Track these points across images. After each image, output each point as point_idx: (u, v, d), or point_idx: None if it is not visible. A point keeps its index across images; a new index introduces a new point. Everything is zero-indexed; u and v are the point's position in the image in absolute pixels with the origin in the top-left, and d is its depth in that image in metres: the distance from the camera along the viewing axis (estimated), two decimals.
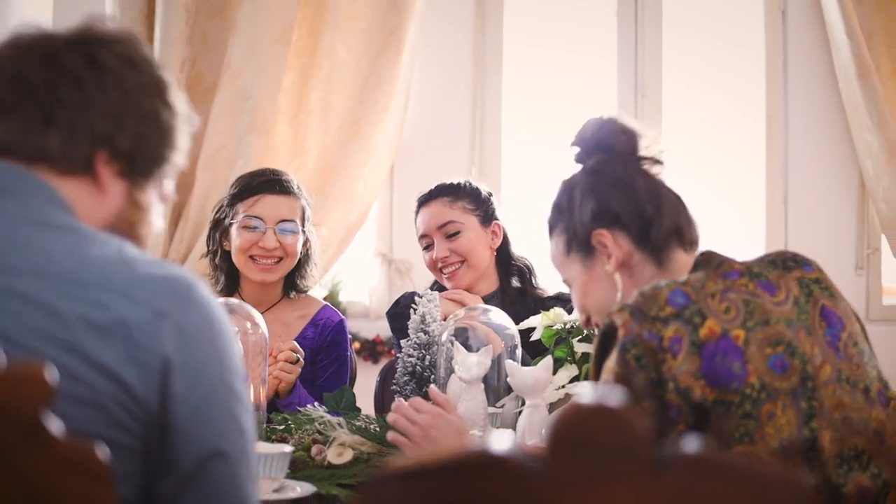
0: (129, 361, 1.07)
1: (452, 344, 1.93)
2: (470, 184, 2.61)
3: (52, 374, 0.86)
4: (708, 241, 4.26)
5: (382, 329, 4.02)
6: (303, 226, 2.56)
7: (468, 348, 1.91)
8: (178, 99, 1.25)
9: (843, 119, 4.21)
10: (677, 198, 1.62)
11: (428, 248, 2.59)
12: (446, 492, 0.59)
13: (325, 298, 3.95)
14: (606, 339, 1.40)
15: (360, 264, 4.12)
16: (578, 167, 1.65)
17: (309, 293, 2.69)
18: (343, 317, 2.66)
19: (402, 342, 2.13)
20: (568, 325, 1.99)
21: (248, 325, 1.94)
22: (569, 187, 1.63)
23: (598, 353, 1.42)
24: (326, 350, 2.57)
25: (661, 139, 1.73)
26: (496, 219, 2.58)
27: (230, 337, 1.17)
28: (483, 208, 2.56)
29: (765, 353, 1.35)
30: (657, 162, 1.65)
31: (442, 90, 4.10)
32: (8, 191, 1.15)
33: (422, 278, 4.01)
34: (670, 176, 4.20)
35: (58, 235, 1.13)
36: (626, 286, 1.52)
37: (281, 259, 2.50)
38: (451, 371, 1.93)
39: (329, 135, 3.87)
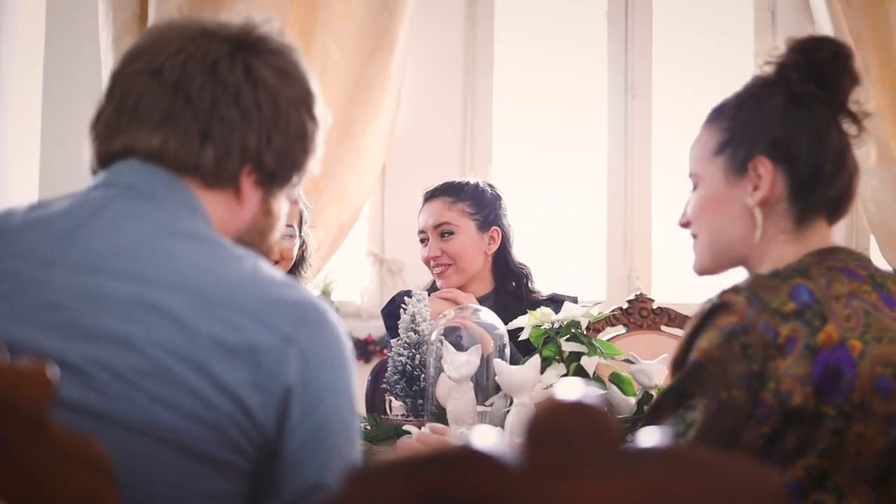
0: (253, 386, 1.06)
1: (442, 343, 1.95)
2: (477, 186, 2.62)
3: (54, 372, 0.87)
4: None
5: (374, 329, 4.04)
6: (299, 230, 2.62)
7: (458, 347, 1.92)
8: (321, 107, 1.28)
9: None
10: (855, 168, 1.41)
11: (423, 243, 2.61)
12: (427, 486, 0.61)
13: None
14: (709, 317, 1.28)
15: (352, 264, 4.13)
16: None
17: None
18: (338, 316, 2.67)
19: (392, 341, 2.15)
20: (556, 325, 2.01)
21: None
22: (762, 94, 1.43)
23: (696, 327, 1.30)
24: None
25: (868, 100, 1.49)
26: (497, 224, 2.58)
27: (351, 369, 1.16)
28: (484, 213, 2.57)
29: (874, 372, 1.26)
30: (858, 123, 1.41)
31: (433, 91, 4.11)
32: (155, 199, 1.14)
33: (413, 278, 4.03)
34: (660, 175, 4.23)
35: (198, 249, 1.12)
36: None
37: (276, 263, 2.54)
38: (440, 370, 1.94)
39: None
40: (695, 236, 1.46)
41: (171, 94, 1.15)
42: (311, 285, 3.89)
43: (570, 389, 0.62)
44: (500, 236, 2.59)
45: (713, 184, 1.43)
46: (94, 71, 3.77)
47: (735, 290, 1.29)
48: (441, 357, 1.93)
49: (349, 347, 1.16)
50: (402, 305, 2.15)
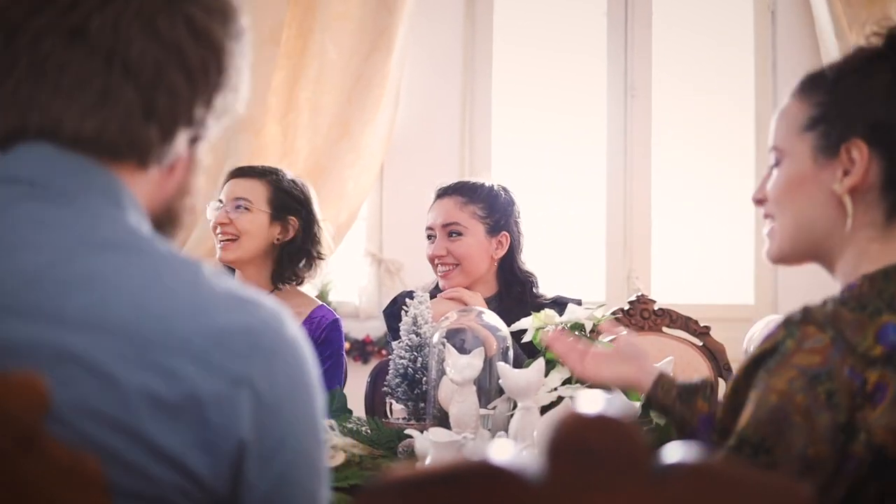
0: (199, 447, 0.87)
1: (444, 346, 1.92)
2: (491, 189, 2.56)
3: (47, 383, 0.80)
4: (697, 240, 4.27)
5: (373, 329, 4.02)
6: (272, 210, 2.54)
7: (460, 350, 1.90)
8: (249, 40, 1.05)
9: None
10: None
11: (430, 239, 2.57)
12: (446, 501, 0.59)
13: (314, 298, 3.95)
14: (782, 346, 1.15)
15: (350, 264, 4.10)
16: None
17: (304, 292, 2.69)
18: (338, 317, 2.65)
19: (394, 344, 2.12)
20: (560, 327, 1.98)
21: None
22: (866, 68, 1.26)
23: (765, 352, 1.17)
24: (321, 347, 2.55)
25: None
26: (507, 230, 2.54)
27: (317, 395, 0.95)
28: (495, 217, 2.53)
29: None
30: None
31: (432, 90, 4.09)
32: (68, 198, 0.93)
33: (412, 278, 4.01)
34: (659, 176, 4.21)
35: (125, 263, 0.89)
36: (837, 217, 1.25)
37: (236, 238, 2.50)
38: (442, 373, 1.92)
39: (318, 134, 3.87)
40: (768, 216, 1.33)
41: (106, 66, 0.92)
42: (309, 286, 3.87)
43: (593, 402, 0.60)
44: (509, 242, 2.55)
45: (799, 162, 1.27)
46: None
47: (817, 323, 1.14)
48: (443, 360, 1.90)
49: (313, 363, 0.96)
50: (404, 307, 2.12)
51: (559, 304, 2.34)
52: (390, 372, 2.08)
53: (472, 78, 4.13)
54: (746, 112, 4.31)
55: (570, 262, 4.21)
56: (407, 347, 2.04)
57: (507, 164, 4.17)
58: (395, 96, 3.96)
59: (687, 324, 2.93)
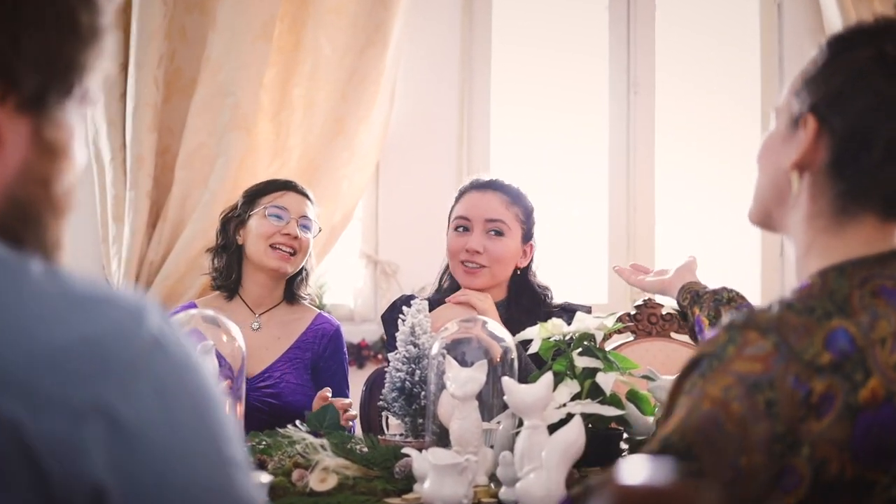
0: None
1: (444, 357, 1.79)
2: (525, 195, 2.51)
3: None
4: (702, 240, 4.16)
5: (368, 333, 3.90)
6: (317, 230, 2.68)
7: (461, 363, 1.77)
8: None
9: None
10: None
11: (460, 230, 2.43)
12: None
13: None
14: (723, 350, 1.07)
15: (345, 266, 3.98)
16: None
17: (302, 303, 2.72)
18: (338, 323, 2.71)
19: (390, 355, 1.99)
20: (567, 337, 1.86)
21: (224, 337, 1.80)
22: (851, 42, 1.18)
23: (702, 356, 1.08)
24: (331, 357, 2.62)
25: None
26: (532, 241, 2.45)
27: (211, 407, 0.74)
28: (528, 225, 2.46)
29: None
30: None
31: (428, 87, 3.98)
32: None
33: (408, 280, 3.90)
34: (663, 174, 4.11)
35: None
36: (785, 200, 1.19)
37: (296, 252, 2.56)
38: (442, 387, 1.79)
39: (312, 132, 3.75)
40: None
41: None
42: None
43: (637, 470, 0.48)
44: (532, 253, 2.46)
45: (778, 126, 1.21)
46: None
47: (759, 328, 1.06)
48: (443, 373, 1.77)
49: (200, 368, 0.75)
50: (402, 315, 2.00)
51: (567, 311, 2.24)
52: (386, 385, 1.96)
53: (470, 74, 4.02)
54: (752, 109, 4.20)
55: (572, 263, 4.10)
56: (404, 359, 1.91)
57: (506, 163, 4.05)
58: (390, 93, 3.84)
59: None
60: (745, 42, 4.22)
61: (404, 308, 2.02)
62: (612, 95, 4.10)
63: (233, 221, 2.60)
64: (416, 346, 1.92)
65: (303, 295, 2.68)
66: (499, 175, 3.91)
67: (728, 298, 1.96)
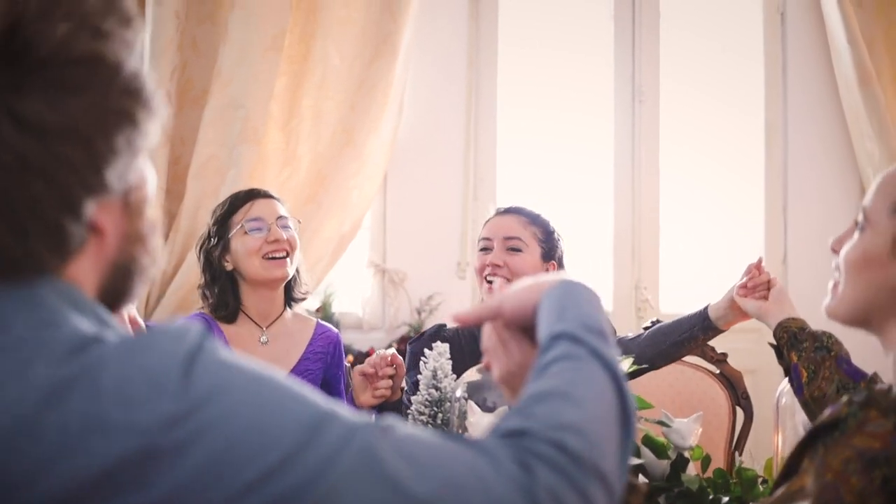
0: None
1: (466, 401, 1.84)
2: (547, 220, 2.60)
3: None
4: (706, 249, 4.20)
5: (376, 341, 3.95)
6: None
7: (483, 408, 1.82)
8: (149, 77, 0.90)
9: (843, 126, 4.16)
10: None
11: (484, 251, 2.56)
12: None
13: (317, 310, 3.88)
14: (843, 426, 1.13)
15: (353, 274, 4.02)
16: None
17: (297, 309, 2.73)
18: (337, 330, 2.73)
19: (413, 398, 2.04)
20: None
21: None
22: None
23: (816, 432, 1.15)
24: (337, 365, 2.66)
25: None
26: (555, 260, 2.54)
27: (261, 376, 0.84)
28: (549, 245, 2.55)
29: None
30: None
31: (436, 97, 4.01)
32: None
33: (416, 288, 3.95)
34: (667, 183, 4.15)
35: None
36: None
37: (288, 253, 2.56)
38: (464, 431, 1.84)
39: (321, 142, 3.78)
40: (838, 270, 1.32)
41: None
42: (311, 298, 3.81)
43: None
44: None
45: (880, 243, 1.26)
46: None
47: (880, 408, 1.13)
48: (465, 417, 1.82)
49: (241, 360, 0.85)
50: (423, 359, 2.04)
51: None
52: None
53: (476, 84, 4.05)
54: (756, 118, 4.25)
55: (576, 270, 4.14)
56: (426, 403, 1.96)
57: (512, 173, 4.10)
58: (398, 104, 3.87)
59: (703, 350, 2.87)
60: (748, 52, 4.26)
61: (426, 350, 2.06)
62: (618, 104, 4.15)
63: (214, 251, 2.59)
64: (438, 389, 1.97)
65: (301, 294, 2.68)
66: (505, 182, 4.00)
67: (827, 347, 1.97)
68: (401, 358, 2.38)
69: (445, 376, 1.97)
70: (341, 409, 0.83)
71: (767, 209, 4.22)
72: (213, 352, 0.83)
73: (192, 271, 3.56)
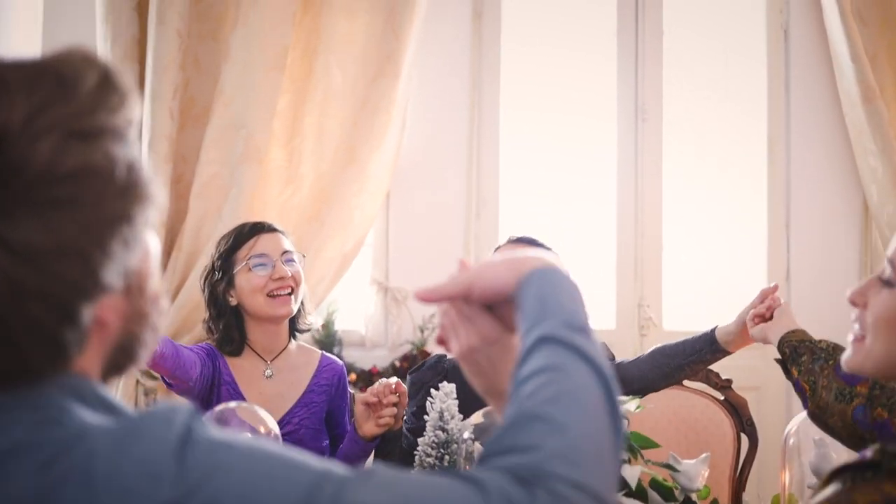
0: None
1: (473, 443, 1.84)
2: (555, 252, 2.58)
3: None
4: (709, 266, 4.19)
5: (379, 359, 3.94)
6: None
7: None
8: (145, 165, 0.88)
9: (846, 142, 4.15)
10: None
11: None
12: None
13: (321, 327, 3.87)
14: (866, 468, 1.14)
15: (356, 292, 4.02)
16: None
17: (302, 339, 2.74)
18: (342, 362, 2.72)
19: (419, 440, 2.03)
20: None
21: (262, 428, 1.84)
22: None
23: (846, 466, 1.16)
24: (341, 397, 2.65)
25: None
26: None
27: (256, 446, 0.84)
28: None
29: None
30: None
31: (438, 114, 4.00)
32: None
33: (419, 307, 3.93)
34: (670, 200, 4.13)
35: None
36: None
37: (293, 290, 2.56)
38: None
39: (324, 160, 3.77)
40: (860, 323, 1.31)
41: None
42: (313, 315, 3.80)
43: None
44: None
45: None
46: None
47: None
48: (472, 459, 1.82)
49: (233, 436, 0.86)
50: (430, 399, 2.03)
51: None
52: (415, 469, 2.00)
53: (479, 104, 4.04)
54: (759, 134, 4.24)
55: (580, 287, 4.13)
56: (433, 444, 1.96)
57: (515, 191, 4.09)
58: (401, 121, 3.86)
59: (708, 376, 2.86)
60: (752, 68, 4.25)
61: (433, 391, 2.05)
62: (620, 121, 4.14)
63: (218, 285, 2.58)
64: (444, 431, 1.96)
65: (305, 325, 2.69)
66: (508, 199, 3.99)
67: (825, 356, 1.97)
68: (404, 386, 2.37)
69: (452, 417, 1.96)
70: (334, 465, 0.84)
71: (770, 225, 4.21)
72: (202, 432, 0.82)
73: (194, 290, 3.56)
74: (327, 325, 3.92)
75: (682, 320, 4.10)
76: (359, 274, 3.99)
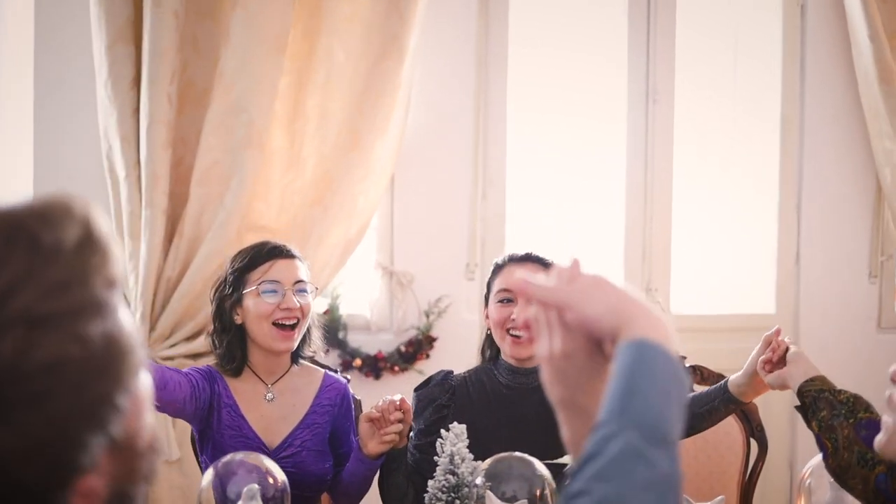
0: None
1: (483, 486, 1.79)
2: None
3: None
4: (719, 248, 4.14)
5: (384, 343, 3.90)
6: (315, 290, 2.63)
7: (503, 498, 1.77)
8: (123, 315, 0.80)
9: (861, 124, 4.06)
10: None
11: (504, 302, 2.48)
12: None
13: (324, 312, 3.82)
14: None
15: (361, 276, 3.96)
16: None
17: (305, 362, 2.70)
18: (345, 380, 2.67)
19: (430, 483, 1.99)
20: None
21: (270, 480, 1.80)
22: None
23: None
24: (345, 416, 2.60)
25: None
26: None
27: None
28: None
29: None
30: None
31: (444, 98, 3.91)
32: None
33: (424, 290, 3.88)
34: (680, 184, 4.06)
35: None
36: None
37: (298, 321, 2.52)
38: None
39: (326, 143, 3.69)
40: None
41: None
42: (318, 299, 3.74)
43: None
44: None
45: None
46: (88, 80, 3.56)
47: None
48: (483, 503, 1.78)
49: None
50: (441, 441, 1.98)
51: None
52: None
53: (485, 85, 3.94)
54: (772, 114, 4.15)
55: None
56: (444, 488, 1.91)
57: (522, 173, 4.01)
58: (405, 105, 3.76)
59: (718, 381, 2.82)
60: (766, 45, 4.14)
61: (443, 432, 2.00)
62: (631, 104, 4.04)
63: (227, 300, 2.54)
64: (455, 475, 1.92)
65: (309, 353, 2.65)
66: (515, 183, 3.92)
67: (846, 413, 1.93)
68: (409, 403, 2.33)
69: (462, 461, 1.92)
70: None
71: (781, 208, 4.14)
72: None
73: (196, 277, 3.51)
74: (332, 310, 3.87)
75: (690, 304, 4.05)
76: (364, 258, 3.93)
